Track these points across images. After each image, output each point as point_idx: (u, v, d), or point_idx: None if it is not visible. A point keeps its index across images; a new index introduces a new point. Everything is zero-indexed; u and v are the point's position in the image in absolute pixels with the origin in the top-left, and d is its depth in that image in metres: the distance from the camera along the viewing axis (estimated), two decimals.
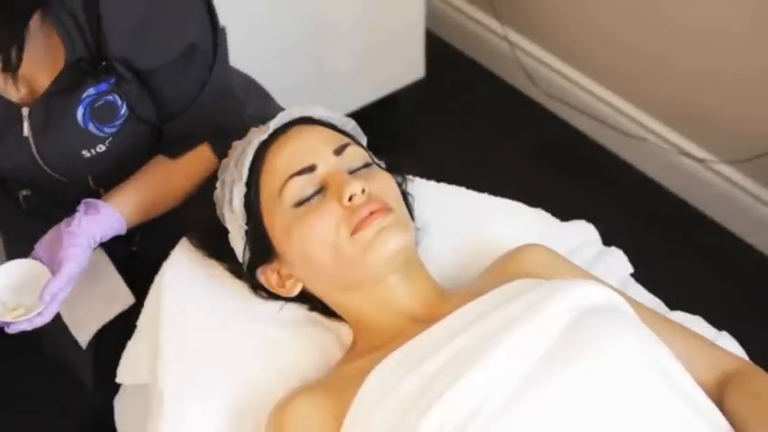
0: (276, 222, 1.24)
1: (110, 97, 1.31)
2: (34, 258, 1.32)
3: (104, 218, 1.35)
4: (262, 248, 1.26)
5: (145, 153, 1.42)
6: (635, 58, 2.42)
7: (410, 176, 1.39)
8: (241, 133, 1.34)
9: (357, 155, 1.27)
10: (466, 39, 2.85)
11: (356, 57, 2.47)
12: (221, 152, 1.37)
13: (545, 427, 1.03)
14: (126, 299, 1.47)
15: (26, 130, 1.30)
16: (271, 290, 1.29)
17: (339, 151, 1.25)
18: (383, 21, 2.45)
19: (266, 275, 1.28)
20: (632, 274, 1.47)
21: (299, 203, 1.22)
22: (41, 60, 1.28)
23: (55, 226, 1.35)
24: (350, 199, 1.19)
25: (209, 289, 1.35)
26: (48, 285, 1.26)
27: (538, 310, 1.10)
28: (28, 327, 1.28)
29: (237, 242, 1.28)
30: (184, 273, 1.37)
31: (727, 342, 1.33)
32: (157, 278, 1.38)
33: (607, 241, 1.53)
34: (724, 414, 1.12)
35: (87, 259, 1.32)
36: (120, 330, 1.44)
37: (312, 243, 1.21)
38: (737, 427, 1.12)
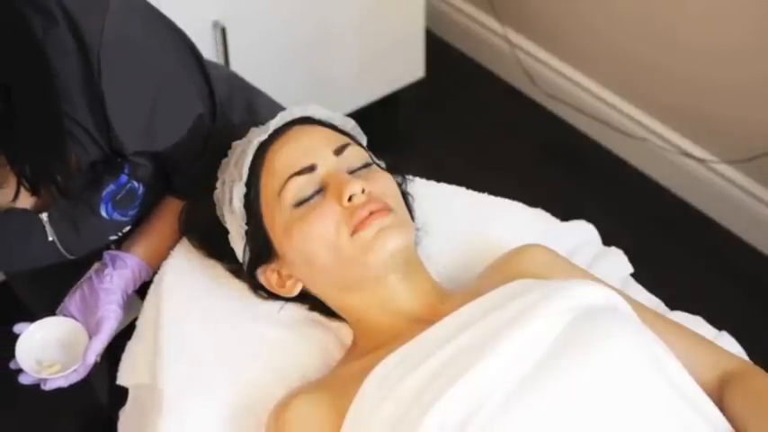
0: (276, 222, 1.24)
1: (128, 186, 1.32)
2: (64, 314, 1.35)
3: (133, 272, 1.38)
4: (262, 248, 1.26)
5: (155, 204, 1.43)
6: (635, 58, 2.42)
7: (410, 176, 1.39)
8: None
9: (357, 155, 1.27)
10: (466, 39, 2.85)
11: (356, 57, 2.47)
12: None
13: (544, 426, 1.03)
14: (137, 307, 1.47)
15: (51, 236, 1.31)
16: (271, 290, 1.29)
17: (339, 151, 1.25)
18: (383, 21, 2.45)
19: (266, 275, 1.28)
20: (632, 274, 1.47)
21: (299, 203, 1.22)
22: None
23: (84, 280, 1.37)
24: (350, 199, 1.19)
25: (209, 289, 1.35)
26: (91, 345, 1.30)
27: (537, 310, 1.10)
28: (64, 384, 1.31)
29: (237, 242, 1.28)
30: (184, 273, 1.37)
31: (727, 342, 1.33)
32: (157, 278, 1.38)
33: (607, 241, 1.53)
34: (724, 414, 1.12)
35: (120, 320, 1.35)
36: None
37: (312, 243, 1.21)
38: (737, 427, 1.12)
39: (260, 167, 1.26)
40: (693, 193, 2.42)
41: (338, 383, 1.17)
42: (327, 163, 1.24)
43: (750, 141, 2.24)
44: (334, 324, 1.31)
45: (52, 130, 1.17)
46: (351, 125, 1.36)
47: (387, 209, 1.20)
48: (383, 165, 1.32)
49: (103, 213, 1.31)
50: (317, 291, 1.27)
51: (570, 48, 2.59)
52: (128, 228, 1.38)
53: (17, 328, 1.33)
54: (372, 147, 1.35)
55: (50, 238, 1.31)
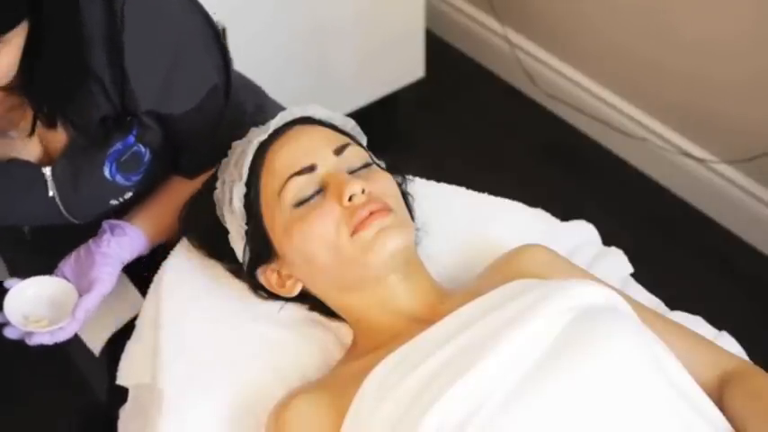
0: (276, 222, 1.24)
1: (135, 148, 1.32)
2: (58, 275, 1.34)
3: (132, 240, 1.37)
4: (262, 248, 1.26)
5: (161, 181, 1.43)
6: (635, 58, 2.42)
7: (410, 176, 1.39)
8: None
9: (357, 155, 1.27)
10: (466, 39, 2.85)
11: (356, 57, 2.47)
12: None
13: (544, 426, 1.03)
14: (137, 303, 1.48)
15: (51, 191, 1.31)
16: (271, 290, 1.29)
17: (339, 151, 1.25)
18: (383, 21, 2.45)
19: (266, 275, 1.28)
20: (632, 274, 1.47)
21: (299, 203, 1.22)
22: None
23: (82, 246, 1.36)
24: (350, 199, 1.19)
25: (209, 289, 1.35)
26: (82, 301, 1.28)
27: (537, 309, 1.10)
28: (49, 340, 1.29)
29: (237, 242, 1.28)
30: (184, 273, 1.37)
31: (727, 342, 1.33)
32: (157, 278, 1.38)
33: (607, 241, 1.53)
34: (723, 413, 1.12)
35: (116, 281, 1.34)
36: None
37: (312, 243, 1.21)
38: (737, 427, 1.12)
39: (260, 167, 1.26)
40: (693, 193, 2.42)
41: (338, 383, 1.17)
42: (327, 163, 1.24)
43: (750, 141, 2.24)
44: (334, 324, 1.31)
45: (76, 63, 1.18)
46: (351, 125, 1.36)
47: (387, 209, 1.20)
48: (383, 165, 1.32)
49: (107, 173, 1.31)
50: (317, 291, 1.27)
51: (570, 48, 2.59)
52: (129, 194, 1.37)
53: (8, 283, 1.31)
54: (372, 147, 1.35)
55: (51, 194, 1.31)
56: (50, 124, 1.23)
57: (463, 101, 2.75)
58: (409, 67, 2.60)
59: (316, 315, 1.32)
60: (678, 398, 1.08)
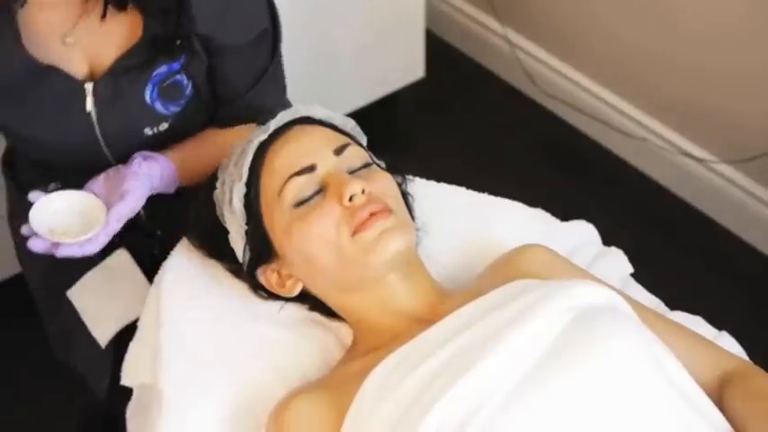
0: (276, 222, 1.24)
1: (178, 77, 1.32)
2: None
3: (162, 169, 1.35)
4: (262, 248, 1.26)
5: (196, 130, 1.43)
6: (635, 58, 2.42)
7: (410, 176, 1.39)
8: None
9: (357, 155, 1.27)
10: (466, 39, 2.85)
11: (356, 57, 2.47)
12: None
13: (544, 426, 1.03)
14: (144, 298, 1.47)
15: (89, 105, 1.30)
16: (271, 290, 1.29)
17: (339, 151, 1.25)
18: (383, 20, 2.45)
19: (266, 275, 1.28)
20: (632, 274, 1.47)
21: (299, 203, 1.22)
22: (110, 34, 1.28)
23: (110, 168, 1.33)
24: (350, 199, 1.19)
25: (209, 289, 1.35)
26: (114, 209, 1.24)
27: (537, 310, 1.10)
28: (77, 252, 1.24)
29: (237, 242, 1.28)
30: (184, 273, 1.37)
31: (727, 342, 1.33)
32: (157, 278, 1.38)
33: (607, 241, 1.53)
34: (724, 414, 1.12)
35: (143, 201, 1.30)
36: None
37: (312, 243, 1.21)
38: (737, 427, 1.12)
39: (260, 167, 1.26)
40: (693, 193, 2.42)
41: (338, 383, 1.17)
42: (327, 163, 1.24)
43: (750, 141, 2.24)
44: (334, 324, 1.31)
45: None
46: (351, 125, 1.36)
47: (387, 210, 1.20)
48: (383, 165, 1.32)
49: (147, 97, 1.32)
50: (317, 291, 1.28)
51: (570, 48, 2.59)
52: (165, 126, 1.37)
53: (32, 196, 1.27)
54: (372, 147, 1.35)
55: (88, 108, 1.31)
56: (121, 5, 1.23)
57: (463, 101, 2.75)
58: (409, 67, 2.60)
59: (316, 315, 1.32)
60: (678, 398, 1.08)
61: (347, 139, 1.29)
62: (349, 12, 2.39)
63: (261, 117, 1.38)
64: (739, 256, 2.33)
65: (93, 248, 1.25)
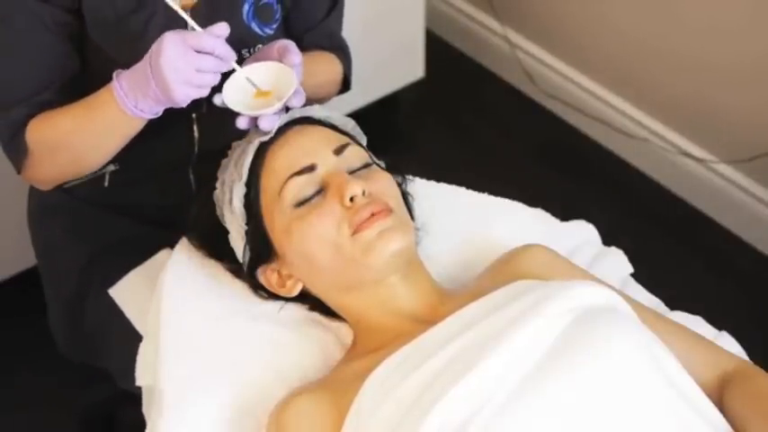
0: (276, 222, 1.24)
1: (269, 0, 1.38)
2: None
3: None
4: (262, 248, 1.26)
5: None
6: (635, 58, 2.42)
7: (410, 176, 1.39)
8: (350, 57, 1.51)
9: (357, 155, 1.27)
10: (466, 39, 2.85)
11: (356, 57, 2.45)
12: (347, 70, 1.52)
13: (545, 426, 1.03)
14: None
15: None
16: (271, 290, 1.29)
17: (339, 151, 1.25)
18: (383, 21, 2.45)
19: (266, 275, 1.28)
20: (632, 274, 1.47)
21: (300, 203, 1.22)
22: None
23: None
24: (351, 200, 1.19)
25: (210, 289, 1.35)
26: (290, 56, 1.26)
27: (538, 310, 1.10)
28: (282, 109, 1.26)
29: (237, 242, 1.28)
30: (185, 273, 1.37)
31: (727, 342, 1.33)
32: (159, 278, 1.38)
33: (607, 241, 1.53)
34: (724, 414, 1.12)
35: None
36: None
37: (312, 243, 1.21)
38: (737, 427, 1.12)
39: (260, 167, 1.26)
40: (693, 193, 2.42)
41: (339, 383, 1.17)
42: (327, 163, 1.24)
43: (750, 141, 2.24)
44: (334, 324, 1.31)
45: None
46: (351, 125, 1.36)
47: (387, 210, 1.20)
48: (383, 165, 1.32)
49: (244, 16, 1.36)
50: (317, 291, 1.28)
51: (570, 48, 2.59)
52: (259, 47, 1.37)
53: (216, 99, 1.25)
54: (372, 147, 1.35)
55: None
56: None
57: (463, 101, 2.75)
58: (409, 67, 2.60)
59: (316, 315, 1.32)
60: (678, 398, 1.08)
61: (347, 139, 1.29)
62: (349, 12, 2.38)
63: (337, 53, 1.51)
64: (739, 256, 2.33)
65: (298, 102, 1.27)
